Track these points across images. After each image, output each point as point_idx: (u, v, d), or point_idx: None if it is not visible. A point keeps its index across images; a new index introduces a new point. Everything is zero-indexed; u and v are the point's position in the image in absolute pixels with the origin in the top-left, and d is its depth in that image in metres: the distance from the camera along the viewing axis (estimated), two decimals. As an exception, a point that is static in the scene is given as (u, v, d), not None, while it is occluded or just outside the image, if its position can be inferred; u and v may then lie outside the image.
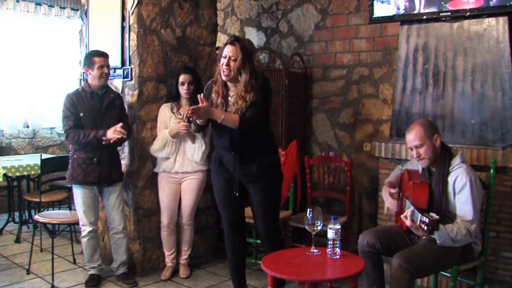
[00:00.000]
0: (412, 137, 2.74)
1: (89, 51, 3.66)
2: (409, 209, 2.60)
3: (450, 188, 2.70)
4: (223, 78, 2.90)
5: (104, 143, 3.40)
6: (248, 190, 3.06)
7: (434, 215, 2.48)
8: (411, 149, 2.79)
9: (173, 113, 3.69)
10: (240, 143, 2.94)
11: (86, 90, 3.49)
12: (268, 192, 3.04)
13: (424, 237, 2.75)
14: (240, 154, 2.97)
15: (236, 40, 2.87)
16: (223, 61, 2.85)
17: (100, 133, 3.39)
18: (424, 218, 2.45)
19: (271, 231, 3.08)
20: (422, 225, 2.48)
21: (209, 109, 2.82)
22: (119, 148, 3.81)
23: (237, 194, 3.05)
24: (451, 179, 2.70)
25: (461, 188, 2.65)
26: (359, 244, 2.85)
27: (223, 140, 2.98)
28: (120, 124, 3.39)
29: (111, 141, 3.39)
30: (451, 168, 2.72)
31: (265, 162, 3.00)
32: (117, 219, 3.62)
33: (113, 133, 3.37)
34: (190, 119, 2.80)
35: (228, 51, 2.85)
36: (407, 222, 2.58)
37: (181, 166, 3.70)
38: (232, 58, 2.83)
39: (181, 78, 3.66)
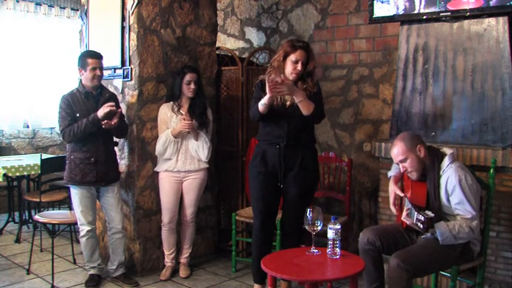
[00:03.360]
0: (395, 153, 2.80)
1: (83, 52, 3.63)
2: (406, 207, 2.62)
3: (442, 191, 2.71)
4: (292, 77, 3.07)
5: (100, 121, 3.35)
6: (287, 183, 3.14)
7: (429, 213, 2.53)
8: (397, 163, 2.84)
9: (174, 112, 3.69)
10: (295, 133, 3.09)
11: (80, 91, 3.49)
12: (306, 187, 3.17)
13: (423, 237, 2.76)
14: (285, 147, 3.09)
15: (308, 45, 3.12)
16: (295, 65, 3.04)
17: (91, 116, 3.37)
18: (420, 216, 2.49)
19: (297, 225, 3.14)
20: (418, 223, 2.51)
21: (293, 87, 2.97)
22: (119, 148, 3.81)
23: (282, 186, 3.14)
24: (443, 181, 2.72)
25: (452, 190, 2.67)
26: (359, 242, 2.86)
27: (277, 130, 3.10)
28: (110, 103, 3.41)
29: (105, 112, 3.34)
30: (441, 171, 2.74)
31: (309, 158, 3.17)
32: (115, 219, 3.62)
33: (103, 109, 3.34)
34: (274, 91, 2.91)
35: (301, 55, 3.04)
36: (406, 221, 2.60)
37: (183, 165, 3.71)
38: (304, 62, 3.06)
39: (188, 77, 3.66)
